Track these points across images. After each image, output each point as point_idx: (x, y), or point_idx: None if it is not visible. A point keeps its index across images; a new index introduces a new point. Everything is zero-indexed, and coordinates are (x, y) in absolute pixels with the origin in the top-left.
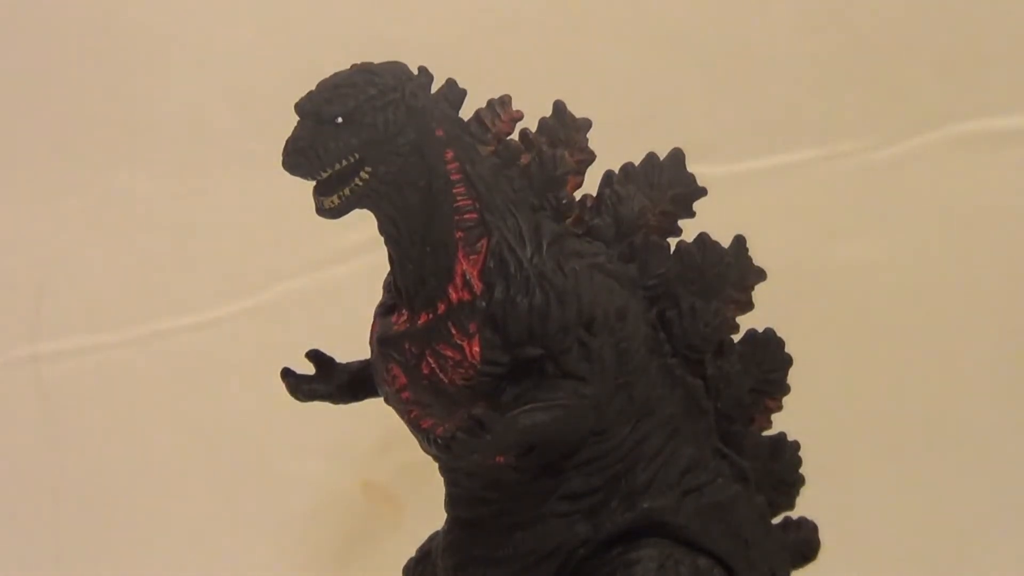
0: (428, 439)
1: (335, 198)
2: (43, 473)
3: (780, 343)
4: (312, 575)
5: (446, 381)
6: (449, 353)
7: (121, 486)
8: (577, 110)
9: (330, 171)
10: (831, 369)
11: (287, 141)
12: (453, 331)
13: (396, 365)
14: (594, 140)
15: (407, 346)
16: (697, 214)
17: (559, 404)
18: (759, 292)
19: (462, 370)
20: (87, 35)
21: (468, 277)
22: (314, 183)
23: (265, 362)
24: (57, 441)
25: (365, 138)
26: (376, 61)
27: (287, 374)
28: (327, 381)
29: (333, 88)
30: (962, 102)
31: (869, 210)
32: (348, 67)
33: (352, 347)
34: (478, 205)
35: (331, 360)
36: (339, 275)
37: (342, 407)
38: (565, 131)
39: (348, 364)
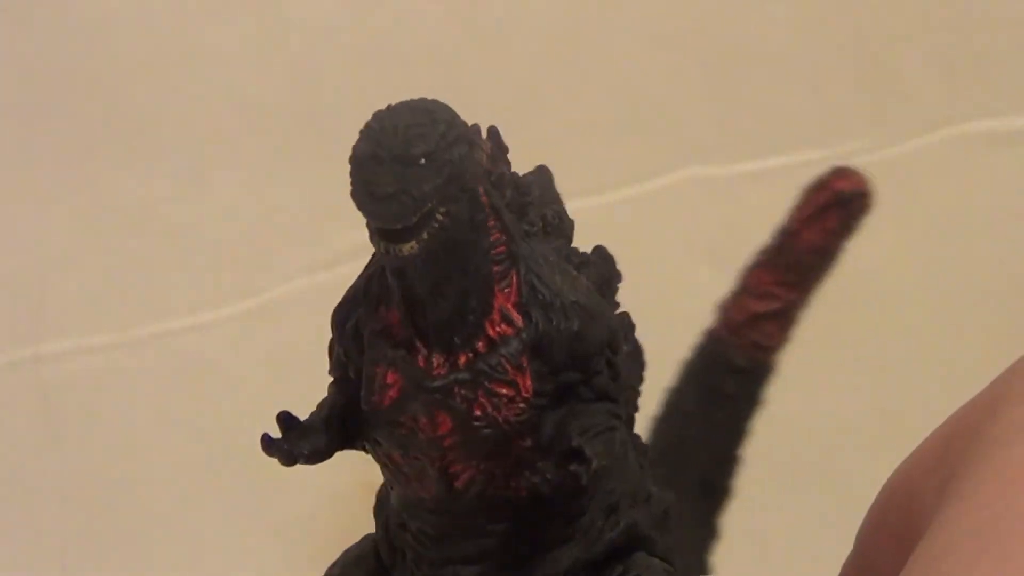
0: (447, 485)
1: (414, 243)
2: (44, 474)
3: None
4: None
5: (500, 420)
6: (503, 391)
7: (123, 487)
8: (577, 111)
9: (419, 215)
10: (832, 370)
11: (362, 188)
12: (507, 367)
13: (443, 411)
14: (595, 142)
15: (457, 390)
16: (699, 215)
17: (610, 427)
18: None
19: (515, 406)
20: (87, 36)
21: (505, 311)
22: (374, 224)
23: (266, 364)
24: (58, 442)
25: (446, 177)
26: (376, 65)
27: (270, 444)
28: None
29: (406, 129)
30: (964, 103)
31: (870, 211)
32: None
33: None
34: (505, 237)
35: (300, 422)
36: (340, 277)
37: None
38: (503, 156)
39: (313, 421)
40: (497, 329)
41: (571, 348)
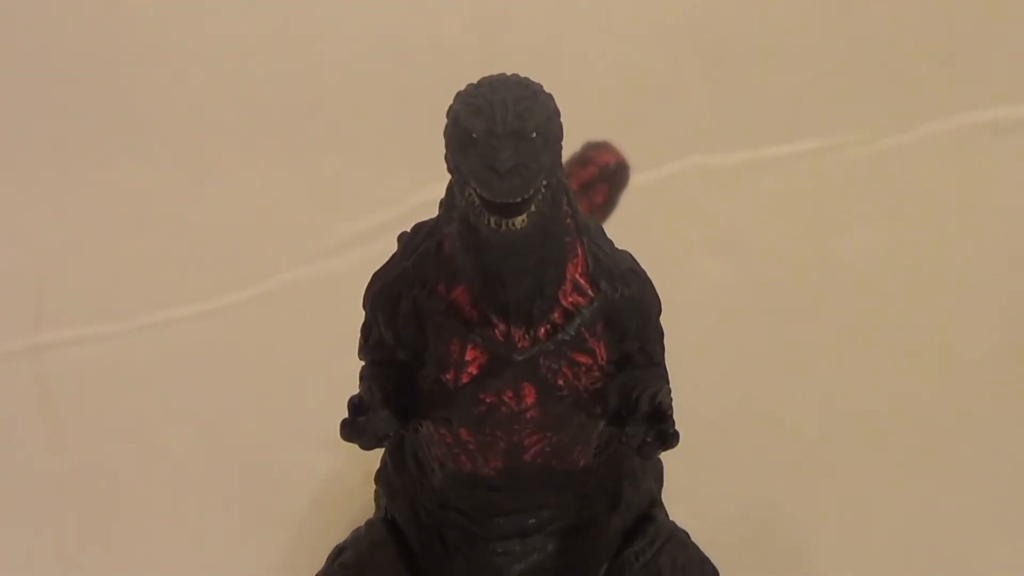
0: (516, 459)
1: (524, 217)
2: (44, 464)
3: None
4: (314, 568)
5: (580, 388)
6: (583, 359)
7: (123, 477)
8: (576, 102)
9: (534, 187)
10: (830, 362)
11: (483, 163)
12: (585, 336)
13: (529, 383)
14: (593, 133)
15: (542, 361)
16: (699, 205)
17: (669, 390)
18: (758, 284)
19: (592, 374)
20: (87, 29)
21: (576, 281)
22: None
23: (267, 352)
24: (58, 432)
25: (553, 150)
26: (376, 59)
27: (351, 428)
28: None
29: (516, 103)
30: (964, 93)
31: (870, 201)
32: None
33: (352, 337)
34: (570, 209)
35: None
36: (341, 266)
37: (342, 398)
38: None
39: (375, 405)
40: (570, 299)
41: (636, 315)
